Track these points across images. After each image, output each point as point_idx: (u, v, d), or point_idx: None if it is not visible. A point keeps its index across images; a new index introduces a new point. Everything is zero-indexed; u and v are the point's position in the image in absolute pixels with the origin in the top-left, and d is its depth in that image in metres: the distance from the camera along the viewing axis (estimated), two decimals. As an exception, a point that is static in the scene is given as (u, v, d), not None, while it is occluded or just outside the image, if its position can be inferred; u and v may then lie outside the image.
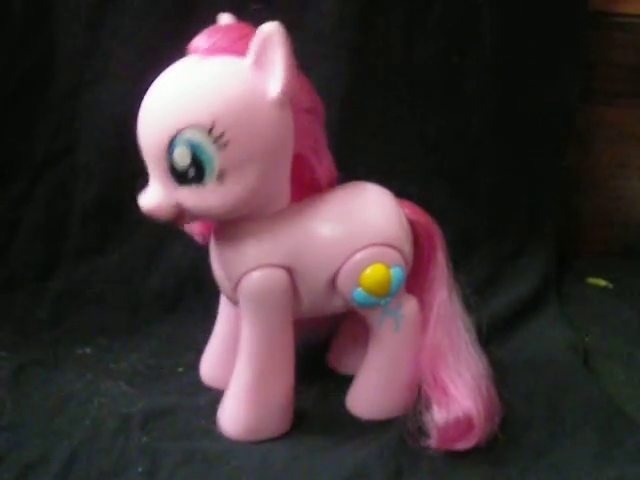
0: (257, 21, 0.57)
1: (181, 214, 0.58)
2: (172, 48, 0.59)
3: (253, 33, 0.56)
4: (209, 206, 0.57)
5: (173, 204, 0.57)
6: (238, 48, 0.57)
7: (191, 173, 0.55)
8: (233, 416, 0.66)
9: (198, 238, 0.68)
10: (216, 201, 0.57)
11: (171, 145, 0.54)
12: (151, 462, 0.62)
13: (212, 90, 0.55)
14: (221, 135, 0.54)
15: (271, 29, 0.54)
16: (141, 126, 0.57)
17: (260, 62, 0.56)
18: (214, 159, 0.55)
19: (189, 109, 0.54)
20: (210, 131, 0.54)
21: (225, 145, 0.55)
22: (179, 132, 0.54)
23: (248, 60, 0.56)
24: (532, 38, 0.94)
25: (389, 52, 0.91)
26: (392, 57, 0.92)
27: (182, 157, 0.55)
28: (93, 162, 0.91)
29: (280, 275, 0.62)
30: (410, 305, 0.67)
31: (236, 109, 0.55)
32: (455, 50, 0.93)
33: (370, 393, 0.70)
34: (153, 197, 0.57)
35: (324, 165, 0.65)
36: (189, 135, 0.54)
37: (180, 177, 0.56)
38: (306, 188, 0.65)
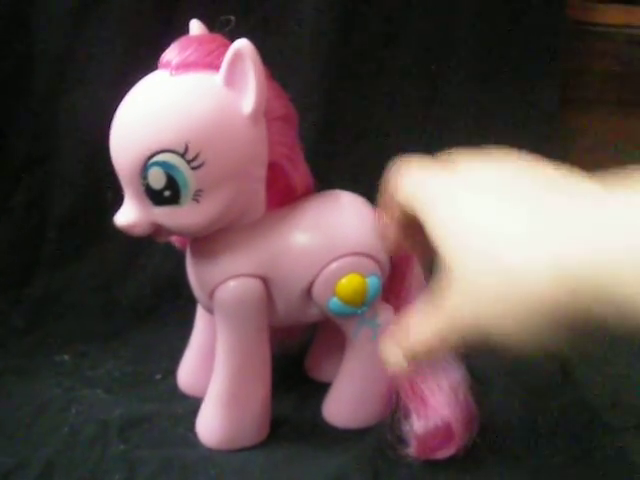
0: (234, 29, 0.57)
1: (157, 231, 0.58)
2: (152, 54, 0.58)
3: (224, 45, 0.56)
4: (185, 224, 0.57)
5: (149, 222, 0.57)
6: (210, 62, 0.56)
7: (167, 194, 0.55)
8: (210, 425, 0.66)
9: (177, 245, 0.68)
10: (192, 220, 0.57)
11: (145, 168, 0.54)
12: (129, 470, 0.62)
13: (184, 111, 0.54)
14: (195, 157, 0.54)
15: (241, 46, 0.54)
16: (113, 148, 0.56)
17: (231, 79, 0.55)
18: (189, 180, 0.54)
19: (161, 132, 0.54)
20: (184, 154, 0.54)
21: (200, 166, 0.54)
22: (152, 155, 0.53)
23: (219, 77, 0.55)
24: (511, 47, 0.95)
25: (367, 61, 0.91)
26: (370, 66, 0.92)
27: (157, 179, 0.54)
28: (71, 169, 0.91)
29: (255, 284, 0.62)
30: (386, 314, 0.67)
31: (209, 129, 0.54)
32: (432, 60, 0.93)
33: (346, 402, 0.70)
34: (129, 215, 0.56)
35: (300, 172, 0.65)
36: (163, 158, 0.54)
37: (156, 198, 0.55)
38: (282, 196, 0.65)
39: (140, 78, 0.57)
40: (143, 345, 0.83)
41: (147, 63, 0.58)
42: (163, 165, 0.54)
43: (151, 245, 0.90)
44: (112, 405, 0.71)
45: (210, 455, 0.65)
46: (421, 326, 0.45)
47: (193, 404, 0.70)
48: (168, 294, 0.90)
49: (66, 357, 0.80)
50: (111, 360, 0.80)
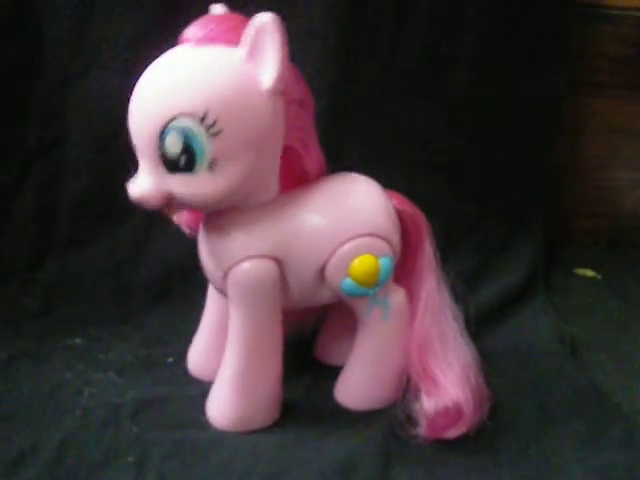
0: (249, 13, 0.57)
1: (170, 202, 0.58)
2: (162, 39, 0.58)
3: (246, 23, 0.56)
4: (199, 195, 0.57)
5: (162, 192, 0.57)
6: (231, 38, 0.56)
7: (182, 161, 0.55)
8: (221, 406, 0.66)
9: (186, 230, 0.68)
10: (206, 190, 0.57)
11: (163, 133, 0.54)
12: (141, 452, 0.63)
13: (205, 79, 0.55)
14: (213, 124, 0.54)
15: (265, 19, 0.54)
16: (132, 113, 0.57)
17: (254, 53, 0.56)
18: (205, 148, 0.55)
19: (182, 97, 0.54)
20: (202, 120, 0.54)
21: (217, 134, 0.54)
22: (171, 120, 0.54)
23: (241, 50, 0.56)
24: (519, 30, 0.94)
25: (378, 44, 0.91)
26: (380, 49, 0.92)
27: (173, 145, 0.54)
28: (82, 154, 0.91)
29: (269, 266, 0.62)
30: (398, 295, 0.67)
31: (229, 99, 0.55)
32: (442, 42, 0.93)
33: (358, 384, 0.70)
34: (143, 184, 0.57)
35: (313, 156, 0.65)
36: (181, 123, 0.54)
37: (171, 165, 0.55)
38: (295, 179, 0.65)
39: (151, 62, 0.58)
40: (155, 328, 0.84)
41: (158, 47, 0.58)
42: (181, 130, 0.54)
43: (163, 229, 0.89)
44: (124, 388, 0.71)
45: (221, 437, 0.65)
46: None
47: (205, 387, 0.70)
48: (180, 278, 0.90)
49: (78, 340, 0.80)
50: (123, 343, 0.80)
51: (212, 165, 0.56)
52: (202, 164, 0.55)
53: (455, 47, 0.93)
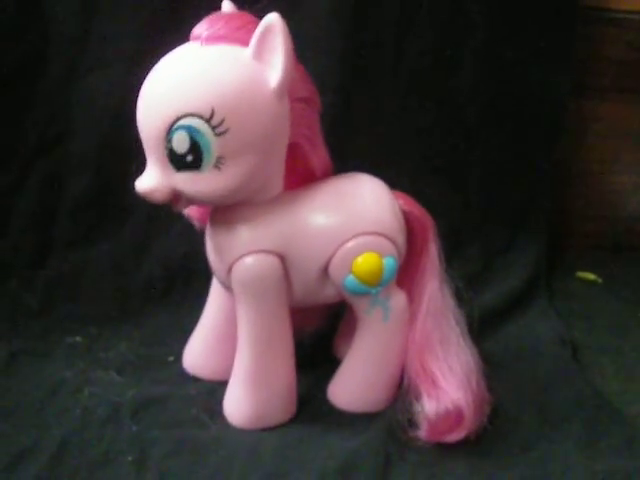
0: (256, 11, 0.57)
1: (177, 198, 0.58)
2: (168, 36, 0.59)
3: (254, 22, 0.57)
4: (205, 191, 0.58)
5: (169, 188, 0.57)
6: (239, 37, 0.57)
7: (189, 159, 0.56)
8: (237, 404, 0.67)
9: (196, 223, 0.69)
10: (212, 187, 0.57)
11: (170, 130, 0.55)
12: (141, 451, 0.63)
13: (213, 78, 0.55)
14: (220, 123, 0.55)
15: (273, 21, 0.55)
16: (141, 110, 0.57)
17: (261, 53, 0.56)
18: (212, 146, 0.55)
19: (189, 96, 0.55)
20: (209, 118, 0.54)
21: (224, 133, 0.55)
22: (179, 118, 0.54)
23: (249, 50, 0.56)
24: (524, 33, 0.94)
25: (383, 44, 0.91)
26: (385, 49, 0.92)
27: (181, 143, 0.55)
28: (85, 151, 0.91)
29: (272, 261, 0.62)
30: (399, 297, 0.67)
31: (236, 98, 0.55)
32: (447, 44, 0.93)
33: (354, 384, 0.70)
34: (150, 180, 0.57)
35: (319, 154, 0.66)
36: (188, 121, 0.54)
37: (178, 162, 0.56)
38: (300, 176, 0.66)
39: (157, 59, 0.58)
40: (156, 327, 0.84)
41: (164, 44, 0.59)
42: (188, 129, 0.55)
43: (165, 228, 0.90)
44: (125, 387, 0.71)
45: (222, 436, 0.65)
46: None
47: (205, 386, 0.71)
48: (181, 277, 0.91)
49: (79, 339, 0.80)
50: (124, 342, 0.80)
51: (218, 163, 0.56)
52: (209, 162, 0.56)
53: (460, 49, 0.93)
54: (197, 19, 0.59)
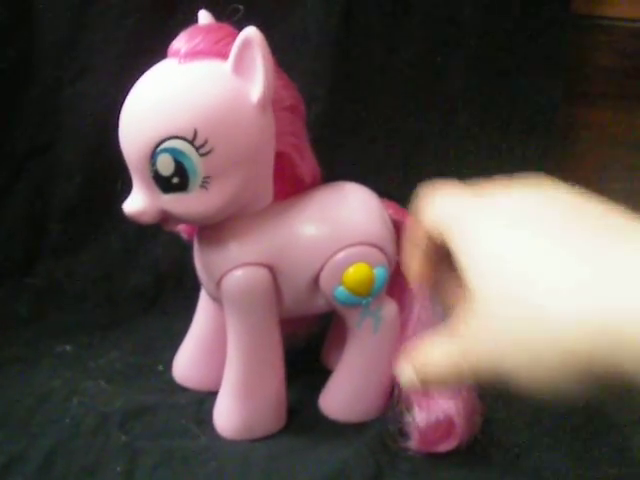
0: (240, 20, 0.57)
1: (165, 219, 0.58)
2: (155, 43, 0.58)
3: (232, 34, 0.56)
4: (193, 212, 0.57)
5: (158, 210, 0.57)
6: (218, 51, 0.56)
7: (175, 181, 0.55)
8: (227, 415, 0.66)
9: (184, 235, 0.68)
10: (200, 207, 0.57)
11: (154, 154, 0.54)
12: (130, 461, 0.62)
13: (193, 98, 0.55)
14: (204, 143, 0.54)
15: (250, 34, 0.54)
16: (122, 134, 0.57)
17: (240, 67, 0.55)
18: (198, 167, 0.55)
19: (171, 118, 0.54)
20: (193, 139, 0.54)
21: (209, 152, 0.54)
22: (162, 141, 0.54)
23: (228, 65, 0.56)
24: (515, 41, 0.94)
25: (373, 50, 0.91)
26: (375, 55, 0.91)
27: (165, 166, 0.54)
28: (74, 158, 0.91)
29: (262, 273, 0.62)
30: (390, 308, 0.67)
31: (218, 116, 0.55)
32: (438, 49, 0.93)
33: (344, 395, 0.70)
34: (137, 203, 0.57)
35: (307, 162, 0.65)
36: (172, 144, 0.54)
37: (164, 185, 0.56)
38: (290, 185, 0.65)
39: (144, 66, 0.58)
40: (145, 336, 0.83)
41: (151, 51, 0.58)
42: (172, 151, 0.54)
43: (154, 235, 0.90)
44: (113, 396, 0.71)
45: (211, 447, 0.65)
46: (436, 351, 0.42)
47: (195, 395, 0.70)
48: (171, 285, 0.91)
49: (68, 347, 0.80)
50: (113, 351, 0.79)
51: (205, 183, 0.56)
52: (195, 183, 0.55)
53: (451, 54, 0.93)
54: (185, 25, 0.58)
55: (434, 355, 0.42)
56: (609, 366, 0.32)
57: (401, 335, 0.68)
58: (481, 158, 0.97)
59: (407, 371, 0.44)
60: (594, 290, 0.33)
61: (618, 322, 0.32)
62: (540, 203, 0.41)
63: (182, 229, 0.68)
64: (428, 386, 0.44)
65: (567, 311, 0.34)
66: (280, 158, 0.62)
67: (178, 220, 0.59)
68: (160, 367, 0.77)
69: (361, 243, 0.63)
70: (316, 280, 0.64)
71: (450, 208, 0.44)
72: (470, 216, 0.42)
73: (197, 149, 0.54)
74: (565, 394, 0.35)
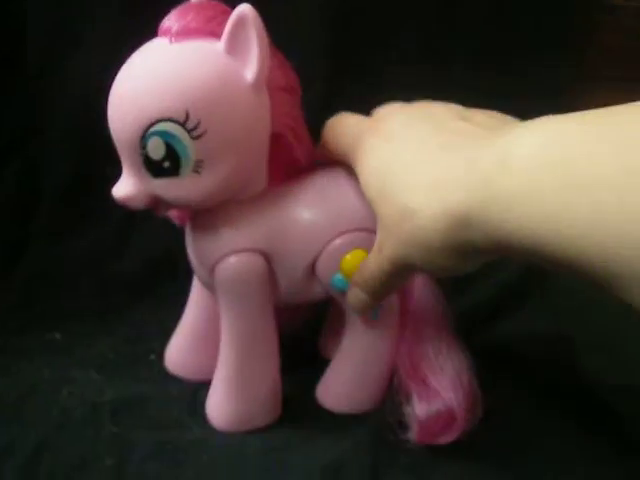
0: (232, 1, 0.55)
1: (156, 203, 0.57)
2: (144, 26, 0.56)
3: (225, 12, 0.55)
4: (185, 196, 0.56)
5: (148, 194, 0.56)
6: (210, 29, 0.55)
7: (166, 165, 0.54)
8: (220, 406, 0.65)
9: (175, 221, 0.67)
10: (193, 191, 0.55)
11: (144, 137, 0.53)
12: (121, 453, 0.61)
13: (184, 79, 0.53)
14: (196, 126, 0.52)
15: (244, 11, 0.52)
16: (111, 118, 0.55)
17: (233, 47, 0.54)
18: (190, 150, 0.53)
19: (161, 100, 0.52)
20: (184, 122, 0.52)
21: (201, 135, 0.53)
22: (152, 125, 0.52)
23: (221, 44, 0.54)
24: (519, 24, 0.94)
25: (373, 28, 0.90)
26: (376, 34, 0.91)
27: (156, 149, 0.53)
28: (63, 143, 0.90)
29: (256, 260, 0.61)
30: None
31: (210, 97, 0.53)
32: (440, 36, 0.93)
33: (343, 384, 0.69)
34: (127, 188, 0.55)
35: (303, 143, 0.64)
36: (162, 127, 0.52)
37: (155, 169, 0.54)
38: (285, 168, 0.64)
39: (136, 46, 0.56)
40: (137, 325, 0.82)
41: (143, 31, 0.56)
42: (163, 134, 0.52)
43: (147, 222, 0.89)
44: (104, 386, 0.70)
45: (205, 438, 0.64)
46: (368, 263, 0.57)
47: (188, 386, 0.69)
48: (164, 273, 0.89)
49: (58, 336, 0.78)
50: (104, 339, 0.78)
51: (197, 167, 0.54)
52: (187, 167, 0.54)
53: (453, 41, 0.92)
54: (175, 3, 0.56)
55: (366, 266, 0.58)
56: (463, 243, 0.46)
57: (401, 321, 0.67)
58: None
59: (354, 293, 0.60)
60: (444, 186, 0.46)
61: (464, 210, 0.45)
62: (416, 118, 0.55)
63: (174, 215, 0.66)
64: (375, 297, 0.59)
65: (423, 204, 0.47)
66: (275, 140, 0.61)
67: (169, 205, 0.58)
68: (152, 356, 0.76)
69: (359, 229, 0.62)
70: (312, 267, 0.63)
71: (350, 130, 0.60)
72: (363, 136, 0.57)
73: (189, 132, 0.53)
74: (443, 267, 0.49)
